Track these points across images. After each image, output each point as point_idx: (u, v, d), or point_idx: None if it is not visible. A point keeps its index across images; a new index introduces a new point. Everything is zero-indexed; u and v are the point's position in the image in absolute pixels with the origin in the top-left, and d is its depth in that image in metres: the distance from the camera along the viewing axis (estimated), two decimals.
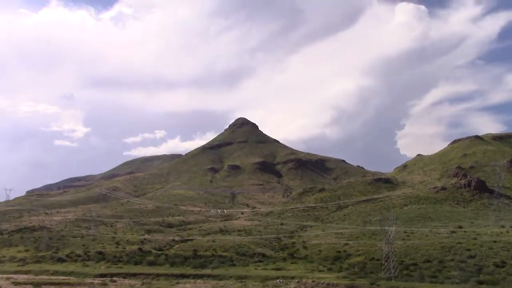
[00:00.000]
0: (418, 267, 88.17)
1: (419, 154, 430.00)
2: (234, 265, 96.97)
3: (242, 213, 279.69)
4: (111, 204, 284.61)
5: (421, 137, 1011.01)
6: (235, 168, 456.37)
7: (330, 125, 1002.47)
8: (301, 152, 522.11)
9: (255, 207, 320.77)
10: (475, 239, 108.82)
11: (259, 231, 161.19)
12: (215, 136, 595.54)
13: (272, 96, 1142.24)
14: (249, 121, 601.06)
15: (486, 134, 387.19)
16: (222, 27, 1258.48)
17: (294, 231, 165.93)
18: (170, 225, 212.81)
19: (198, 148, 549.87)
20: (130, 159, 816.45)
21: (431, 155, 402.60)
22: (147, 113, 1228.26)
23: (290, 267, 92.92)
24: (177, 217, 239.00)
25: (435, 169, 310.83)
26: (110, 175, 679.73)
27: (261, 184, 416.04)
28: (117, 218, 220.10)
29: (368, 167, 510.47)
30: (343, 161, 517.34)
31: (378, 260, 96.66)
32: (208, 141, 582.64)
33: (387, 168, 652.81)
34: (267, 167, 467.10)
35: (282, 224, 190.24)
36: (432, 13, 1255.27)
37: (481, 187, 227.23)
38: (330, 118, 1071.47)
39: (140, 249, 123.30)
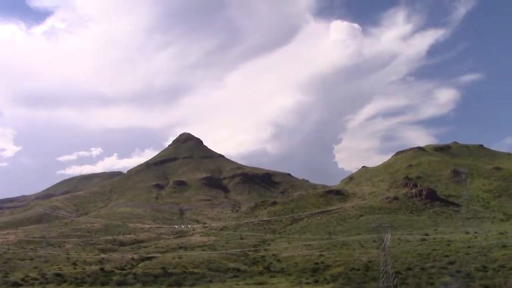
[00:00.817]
0: (402, 275, 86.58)
1: (364, 166, 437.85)
2: (210, 281, 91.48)
3: (194, 230, 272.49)
4: (55, 224, 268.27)
5: (357, 150, 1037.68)
6: (181, 184, 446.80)
7: (270, 141, 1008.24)
8: (247, 167, 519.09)
9: (205, 223, 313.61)
10: (448, 245, 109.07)
11: (223, 246, 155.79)
12: (154, 153, 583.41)
13: (212, 113, 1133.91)
14: (193, 136, 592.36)
15: (428, 145, 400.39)
16: (161, 43, 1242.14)
17: (257, 244, 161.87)
18: (122, 244, 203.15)
19: (141, 164, 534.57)
20: (65, 178, 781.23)
21: (376, 166, 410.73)
22: (82, 130, 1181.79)
23: (271, 281, 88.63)
24: (128, 235, 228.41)
25: (383, 180, 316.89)
26: (45, 195, 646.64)
27: (208, 200, 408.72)
28: (63, 238, 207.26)
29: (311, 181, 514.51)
30: (289, 174, 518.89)
31: (358, 270, 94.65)
32: (150, 158, 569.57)
33: (329, 181, 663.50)
34: (214, 182, 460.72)
35: (242, 238, 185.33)
36: (365, 31, 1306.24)
37: (432, 196, 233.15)
38: (270, 134, 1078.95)
39: (101, 269, 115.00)
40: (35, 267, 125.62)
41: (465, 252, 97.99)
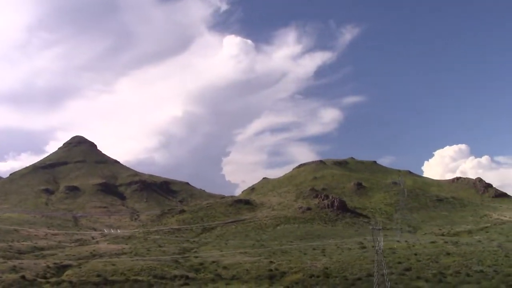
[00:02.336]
0: (363, 281, 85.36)
1: (265, 178, 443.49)
2: None
3: (93, 238, 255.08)
4: None
5: (244, 164, 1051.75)
6: (74, 189, 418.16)
7: (159, 150, 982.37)
8: (144, 174, 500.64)
9: (103, 231, 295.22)
10: (394, 253, 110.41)
11: (147, 253, 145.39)
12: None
13: (99, 118, 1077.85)
14: (86, 139, 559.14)
15: (327, 159, 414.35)
16: (45, 42, 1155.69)
17: (182, 252, 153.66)
18: (20, 251, 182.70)
19: (28, 167, 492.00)
20: None
21: (277, 178, 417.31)
22: None
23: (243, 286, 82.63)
24: (25, 243, 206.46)
25: (289, 191, 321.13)
26: None
27: (105, 207, 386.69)
28: None
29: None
30: (187, 183, 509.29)
31: (318, 276, 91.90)
32: (36, 161, 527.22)
33: (224, 192, 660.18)
34: (110, 189, 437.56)
35: (160, 246, 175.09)
36: (258, 48, 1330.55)
37: (343, 207, 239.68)
38: (159, 143, 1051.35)
39: (23, 277, 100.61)
40: None
41: (416, 259, 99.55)
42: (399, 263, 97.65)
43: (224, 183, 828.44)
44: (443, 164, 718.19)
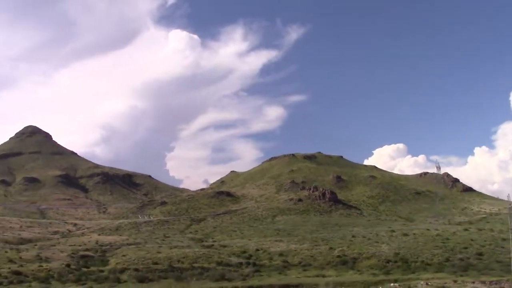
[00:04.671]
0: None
1: (233, 171, 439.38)
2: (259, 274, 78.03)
3: (69, 231, 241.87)
4: None
5: (188, 159, 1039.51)
6: (33, 181, 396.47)
7: (100, 144, 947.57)
8: (105, 166, 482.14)
9: (75, 224, 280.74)
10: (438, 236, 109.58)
11: (163, 243, 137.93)
12: None
13: (36, 111, 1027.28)
14: (41, 130, 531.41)
15: (297, 153, 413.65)
16: None
17: (198, 241, 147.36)
18: (8, 242, 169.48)
19: None
20: None
21: (247, 171, 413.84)
22: None
23: (328, 273, 78.34)
24: (11, 234, 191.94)
25: (267, 183, 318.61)
26: None
27: (68, 199, 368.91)
28: None
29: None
30: (150, 176, 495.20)
31: (395, 261, 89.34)
32: None
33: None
34: (71, 181, 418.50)
35: (167, 236, 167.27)
36: (204, 43, 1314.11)
37: (334, 199, 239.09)
38: (100, 137, 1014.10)
39: (68, 265, 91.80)
40: None
41: (468, 244, 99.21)
42: (465, 248, 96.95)
43: (168, 179, 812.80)
44: (381, 162, 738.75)
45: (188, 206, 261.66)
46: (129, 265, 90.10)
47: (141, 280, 72.30)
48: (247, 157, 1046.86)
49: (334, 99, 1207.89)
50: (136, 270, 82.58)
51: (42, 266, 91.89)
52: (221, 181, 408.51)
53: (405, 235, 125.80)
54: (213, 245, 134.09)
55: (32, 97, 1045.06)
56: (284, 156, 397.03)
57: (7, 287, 71.92)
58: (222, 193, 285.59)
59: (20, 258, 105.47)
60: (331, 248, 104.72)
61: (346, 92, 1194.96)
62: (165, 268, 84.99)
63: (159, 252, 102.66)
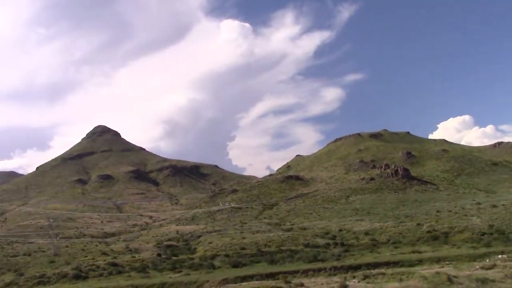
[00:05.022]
0: None
1: (298, 155, 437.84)
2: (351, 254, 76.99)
3: (146, 223, 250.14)
4: None
5: (249, 147, 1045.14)
6: (107, 178, 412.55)
7: (164, 139, 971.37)
8: (172, 159, 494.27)
9: (151, 216, 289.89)
10: None
11: (242, 229, 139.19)
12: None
13: (100, 111, 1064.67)
14: (110, 128, 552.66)
15: (362, 132, 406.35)
16: (43, 37, 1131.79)
17: (278, 224, 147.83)
18: (95, 236, 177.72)
19: (56, 159, 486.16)
20: None
21: (312, 154, 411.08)
22: None
23: (422, 249, 76.00)
24: (96, 229, 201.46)
25: (336, 165, 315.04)
26: None
27: (142, 193, 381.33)
28: (16, 235, 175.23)
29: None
30: (216, 166, 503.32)
31: (491, 234, 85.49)
32: (63, 152, 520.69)
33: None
34: (142, 176, 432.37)
35: (244, 223, 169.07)
36: (256, 31, 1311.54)
37: (408, 176, 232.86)
38: (163, 132, 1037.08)
39: (158, 254, 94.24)
40: (51, 261, 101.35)
41: None
42: None
43: (231, 168, 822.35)
44: (447, 136, 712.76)
45: (259, 192, 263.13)
46: (218, 252, 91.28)
47: (235, 265, 72.96)
48: (307, 141, 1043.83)
49: (393, 74, 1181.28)
50: (227, 256, 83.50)
51: (134, 257, 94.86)
52: (287, 166, 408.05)
53: (494, 206, 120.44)
54: (292, 228, 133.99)
55: (96, 98, 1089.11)
56: (350, 136, 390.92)
57: (108, 278, 74.69)
58: (291, 178, 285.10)
59: (111, 250, 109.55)
60: (418, 224, 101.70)
61: (404, 66, 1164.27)
62: (254, 252, 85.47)
63: (243, 238, 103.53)
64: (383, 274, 49.90)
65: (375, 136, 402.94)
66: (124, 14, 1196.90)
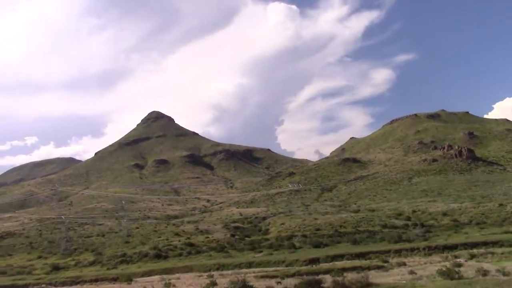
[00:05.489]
0: None
1: (352, 137, 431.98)
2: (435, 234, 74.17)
3: (205, 206, 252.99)
4: (56, 206, 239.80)
5: (298, 131, 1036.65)
6: (163, 162, 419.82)
7: (213, 124, 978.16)
8: (225, 144, 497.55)
9: (208, 199, 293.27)
10: None
11: (306, 211, 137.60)
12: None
13: (151, 97, 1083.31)
14: (164, 114, 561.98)
15: (419, 113, 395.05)
16: (94, 27, 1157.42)
17: (344, 206, 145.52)
18: (159, 218, 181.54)
19: (113, 145, 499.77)
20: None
21: (367, 136, 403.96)
22: (14, 119, 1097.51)
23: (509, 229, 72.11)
24: (158, 212, 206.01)
25: (393, 146, 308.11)
26: None
27: (197, 177, 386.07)
28: (85, 218, 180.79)
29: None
30: (269, 150, 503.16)
31: None
32: (120, 138, 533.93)
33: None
34: (197, 160, 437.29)
35: (307, 205, 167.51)
36: (303, 13, 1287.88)
37: (472, 156, 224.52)
38: (212, 117, 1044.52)
39: (232, 235, 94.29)
40: (126, 242, 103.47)
41: None
42: None
43: (280, 152, 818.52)
44: (504, 116, 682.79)
45: (316, 175, 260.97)
46: (294, 232, 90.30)
47: (316, 245, 71.67)
48: (357, 124, 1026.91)
49: (446, 54, 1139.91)
50: (304, 236, 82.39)
51: (208, 238, 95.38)
52: (342, 149, 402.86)
53: None
54: (359, 210, 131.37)
55: (146, 85, 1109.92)
56: (406, 117, 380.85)
57: (189, 257, 74.98)
58: (348, 160, 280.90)
59: (183, 231, 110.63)
60: (501, 204, 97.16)
61: (458, 45, 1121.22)
62: (331, 233, 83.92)
63: (315, 219, 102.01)
64: (492, 253, 47.30)
65: (432, 116, 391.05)
66: (170, 1, 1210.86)
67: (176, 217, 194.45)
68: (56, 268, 77.22)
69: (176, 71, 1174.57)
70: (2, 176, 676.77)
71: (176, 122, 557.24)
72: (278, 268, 51.90)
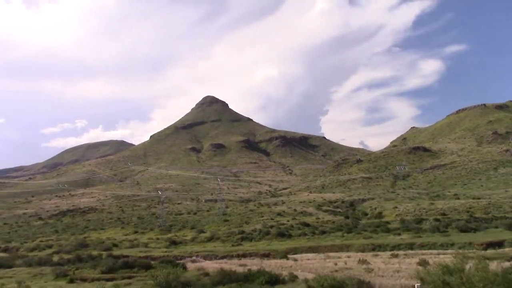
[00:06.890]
0: None
1: (414, 127, 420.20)
2: None
3: (269, 191, 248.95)
4: (128, 184, 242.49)
5: (342, 122, 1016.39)
6: (220, 147, 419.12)
7: (258, 112, 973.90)
8: (280, 130, 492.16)
9: (270, 185, 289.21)
10: None
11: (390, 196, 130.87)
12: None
13: (197, 84, 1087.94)
14: (218, 99, 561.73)
15: (488, 103, 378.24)
16: (143, 13, 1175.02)
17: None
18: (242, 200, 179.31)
19: (169, 127, 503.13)
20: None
21: (430, 126, 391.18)
22: (66, 102, 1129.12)
23: None
24: (229, 194, 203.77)
25: (463, 136, 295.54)
26: (53, 164, 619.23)
27: (254, 163, 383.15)
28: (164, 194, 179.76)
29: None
30: (324, 137, 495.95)
31: None
32: (176, 121, 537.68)
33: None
34: (252, 146, 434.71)
35: (392, 192, 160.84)
36: (351, 1, 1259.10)
37: None
38: (257, 105, 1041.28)
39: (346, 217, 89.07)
40: (225, 220, 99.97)
41: None
42: None
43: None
44: None
45: (386, 163, 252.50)
46: (415, 216, 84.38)
47: (464, 230, 65.39)
48: (403, 116, 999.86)
49: (500, 44, 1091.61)
50: (437, 220, 76.14)
51: (318, 219, 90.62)
52: (403, 138, 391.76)
53: None
54: (458, 197, 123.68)
55: (195, 71, 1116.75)
56: (474, 107, 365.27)
57: (318, 237, 70.03)
58: (418, 149, 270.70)
59: (284, 212, 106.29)
60: None
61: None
62: (467, 218, 77.42)
63: (431, 203, 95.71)
64: None
65: (500, 107, 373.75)
66: None
67: (249, 200, 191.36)
68: (173, 243, 74.26)
69: (223, 58, 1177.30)
70: (58, 157, 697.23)
71: (230, 107, 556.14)
72: (465, 251, 46.08)
